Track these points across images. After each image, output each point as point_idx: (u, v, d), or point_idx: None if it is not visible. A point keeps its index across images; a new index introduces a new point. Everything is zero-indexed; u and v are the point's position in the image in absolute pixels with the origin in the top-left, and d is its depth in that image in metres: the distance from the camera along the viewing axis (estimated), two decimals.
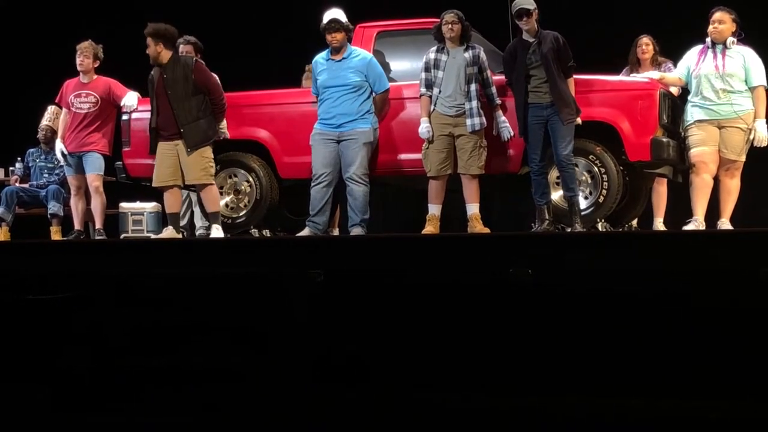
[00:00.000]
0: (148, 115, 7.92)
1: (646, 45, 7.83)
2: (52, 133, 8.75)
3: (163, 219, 8.90)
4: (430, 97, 7.19)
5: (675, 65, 7.62)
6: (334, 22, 7.33)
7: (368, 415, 5.91)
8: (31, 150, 9.21)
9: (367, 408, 5.92)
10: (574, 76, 6.98)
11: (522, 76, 6.95)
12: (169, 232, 7.49)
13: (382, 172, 7.55)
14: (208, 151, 7.39)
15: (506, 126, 7.18)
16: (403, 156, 7.46)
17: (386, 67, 7.63)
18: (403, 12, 7.73)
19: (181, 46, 7.89)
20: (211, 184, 7.44)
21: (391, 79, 7.57)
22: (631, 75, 7.62)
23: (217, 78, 7.56)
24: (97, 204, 8.07)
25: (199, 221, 8.38)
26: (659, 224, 7.76)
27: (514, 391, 5.77)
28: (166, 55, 7.38)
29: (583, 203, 7.04)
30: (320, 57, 7.52)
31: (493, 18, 7.55)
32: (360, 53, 7.45)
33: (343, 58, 7.40)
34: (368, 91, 7.39)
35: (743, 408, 5.48)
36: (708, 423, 5.47)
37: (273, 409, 6.07)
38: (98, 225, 8.08)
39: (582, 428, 5.63)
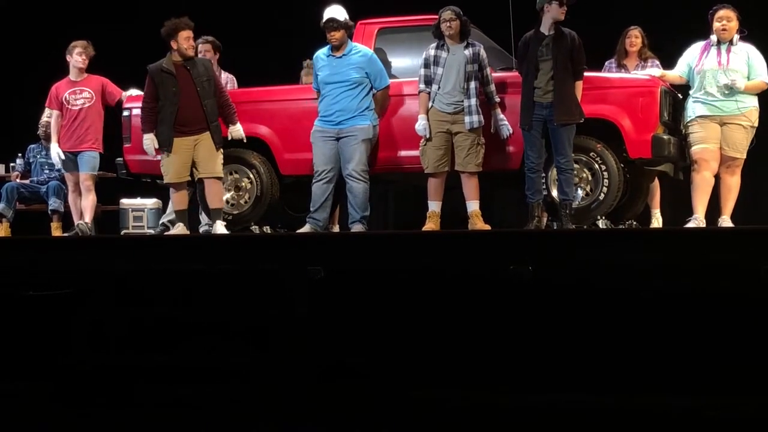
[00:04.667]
0: None
1: (635, 37, 7.79)
2: None
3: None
4: (429, 93, 7.18)
5: (661, 63, 7.59)
6: (332, 21, 7.32)
7: (368, 412, 5.92)
8: (32, 146, 9.21)
9: (367, 405, 5.92)
10: None
11: (532, 68, 6.91)
12: (180, 229, 7.48)
13: (383, 169, 7.54)
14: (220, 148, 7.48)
15: (505, 124, 7.16)
16: (404, 153, 7.45)
17: (388, 64, 7.62)
18: (405, 9, 7.70)
19: (200, 45, 7.90)
20: (222, 177, 7.49)
21: (392, 76, 7.56)
22: (632, 72, 7.60)
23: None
24: (87, 203, 8.09)
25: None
26: (657, 215, 7.74)
27: (515, 388, 5.78)
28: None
29: (583, 200, 7.03)
30: (321, 53, 7.51)
31: (495, 14, 7.52)
32: (361, 49, 7.44)
33: (344, 55, 7.39)
34: (368, 87, 7.37)
35: (744, 406, 5.48)
36: (706, 421, 5.48)
37: (272, 406, 6.07)
38: (87, 220, 8.09)
39: (581, 425, 5.64)
